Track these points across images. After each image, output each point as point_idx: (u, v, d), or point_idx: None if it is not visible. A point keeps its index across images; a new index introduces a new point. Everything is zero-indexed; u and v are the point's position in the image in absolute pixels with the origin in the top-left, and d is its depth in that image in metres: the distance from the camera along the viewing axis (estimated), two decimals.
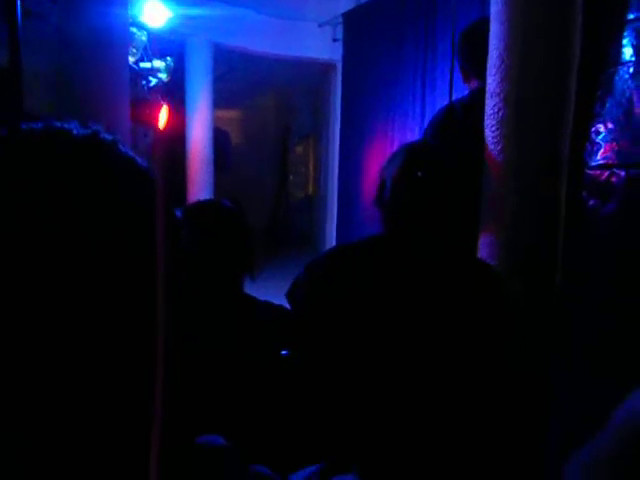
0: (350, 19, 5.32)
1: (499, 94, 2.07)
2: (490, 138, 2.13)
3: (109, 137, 0.43)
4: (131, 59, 3.98)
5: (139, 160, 0.44)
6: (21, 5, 2.98)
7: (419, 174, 1.23)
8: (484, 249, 2.14)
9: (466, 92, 2.57)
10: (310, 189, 9.90)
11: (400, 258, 1.22)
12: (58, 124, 0.44)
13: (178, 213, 0.46)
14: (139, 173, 0.44)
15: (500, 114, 2.07)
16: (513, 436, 1.05)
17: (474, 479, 1.01)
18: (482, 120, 2.15)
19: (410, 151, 1.30)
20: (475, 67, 2.38)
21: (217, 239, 1.27)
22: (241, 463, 0.44)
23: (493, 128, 2.09)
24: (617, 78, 2.18)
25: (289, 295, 1.42)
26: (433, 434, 1.07)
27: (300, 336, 1.25)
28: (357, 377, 1.16)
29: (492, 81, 2.10)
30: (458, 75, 2.71)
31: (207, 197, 5.82)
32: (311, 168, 9.90)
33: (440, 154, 1.31)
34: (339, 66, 6.00)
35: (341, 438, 1.10)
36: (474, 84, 2.47)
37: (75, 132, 0.43)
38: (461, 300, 1.17)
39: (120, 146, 0.43)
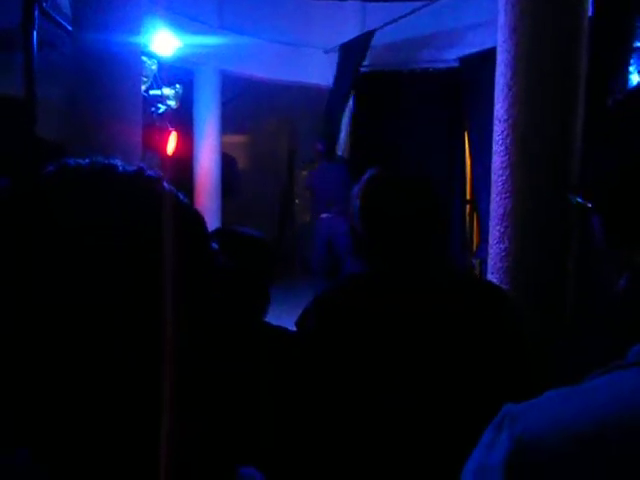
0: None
1: (506, 120, 2.11)
2: (498, 163, 2.16)
3: (154, 173, 0.45)
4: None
5: (181, 196, 0.46)
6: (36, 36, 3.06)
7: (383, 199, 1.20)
8: (493, 275, 2.15)
9: None
10: None
11: (401, 288, 1.21)
12: (103, 160, 0.45)
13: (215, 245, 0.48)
14: (183, 208, 0.45)
15: (508, 140, 2.10)
16: None
17: None
18: None
19: (367, 185, 1.26)
20: None
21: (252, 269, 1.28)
22: None
23: (502, 153, 2.11)
24: None
25: (299, 324, 1.42)
26: (439, 464, 1.06)
27: (308, 365, 1.25)
28: (364, 410, 1.15)
29: (500, 107, 2.13)
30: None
31: (214, 223, 5.87)
32: None
33: (396, 181, 1.28)
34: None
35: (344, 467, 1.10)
36: None
37: (120, 169, 0.44)
38: (469, 323, 1.16)
39: (165, 182, 0.44)
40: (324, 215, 5.41)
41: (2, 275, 0.38)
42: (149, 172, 0.45)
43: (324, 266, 5.44)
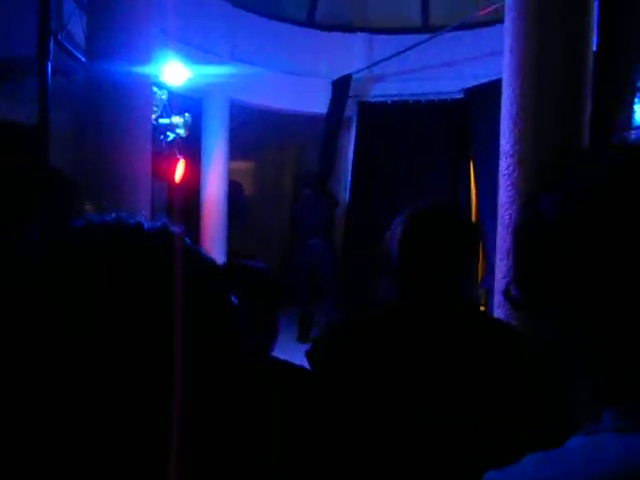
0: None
1: (513, 155, 2.13)
2: (505, 197, 2.17)
3: (176, 230, 0.46)
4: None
5: (203, 251, 0.47)
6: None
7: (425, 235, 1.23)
8: (499, 309, 2.15)
9: None
10: None
11: (418, 322, 1.22)
12: (128, 218, 0.47)
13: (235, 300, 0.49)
14: (205, 265, 0.47)
15: (514, 174, 2.12)
16: None
17: None
18: None
19: (412, 215, 1.30)
20: None
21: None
22: None
23: (508, 188, 2.13)
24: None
25: (310, 355, 1.42)
26: None
27: (320, 397, 1.25)
28: (377, 440, 1.15)
29: (505, 143, 2.16)
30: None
31: (221, 248, 5.89)
32: None
33: (442, 214, 1.31)
34: (350, 121, 6.20)
35: None
36: None
37: (145, 227, 0.46)
38: (480, 362, 1.17)
39: (186, 239, 0.46)
40: (312, 240, 5.54)
41: (26, 326, 0.39)
42: (172, 229, 0.47)
43: (306, 291, 5.59)
